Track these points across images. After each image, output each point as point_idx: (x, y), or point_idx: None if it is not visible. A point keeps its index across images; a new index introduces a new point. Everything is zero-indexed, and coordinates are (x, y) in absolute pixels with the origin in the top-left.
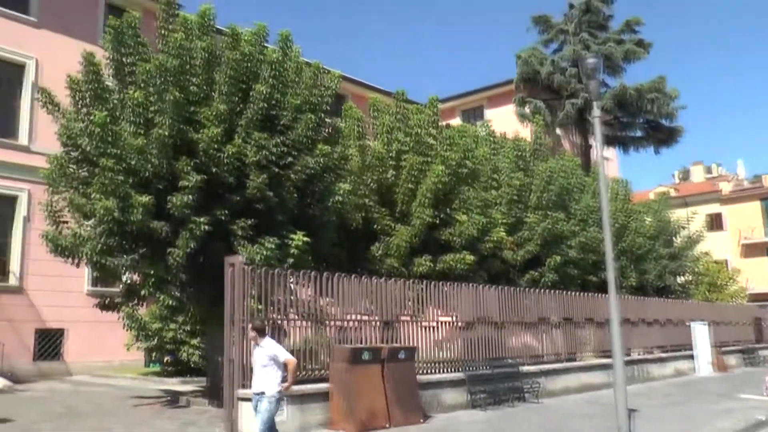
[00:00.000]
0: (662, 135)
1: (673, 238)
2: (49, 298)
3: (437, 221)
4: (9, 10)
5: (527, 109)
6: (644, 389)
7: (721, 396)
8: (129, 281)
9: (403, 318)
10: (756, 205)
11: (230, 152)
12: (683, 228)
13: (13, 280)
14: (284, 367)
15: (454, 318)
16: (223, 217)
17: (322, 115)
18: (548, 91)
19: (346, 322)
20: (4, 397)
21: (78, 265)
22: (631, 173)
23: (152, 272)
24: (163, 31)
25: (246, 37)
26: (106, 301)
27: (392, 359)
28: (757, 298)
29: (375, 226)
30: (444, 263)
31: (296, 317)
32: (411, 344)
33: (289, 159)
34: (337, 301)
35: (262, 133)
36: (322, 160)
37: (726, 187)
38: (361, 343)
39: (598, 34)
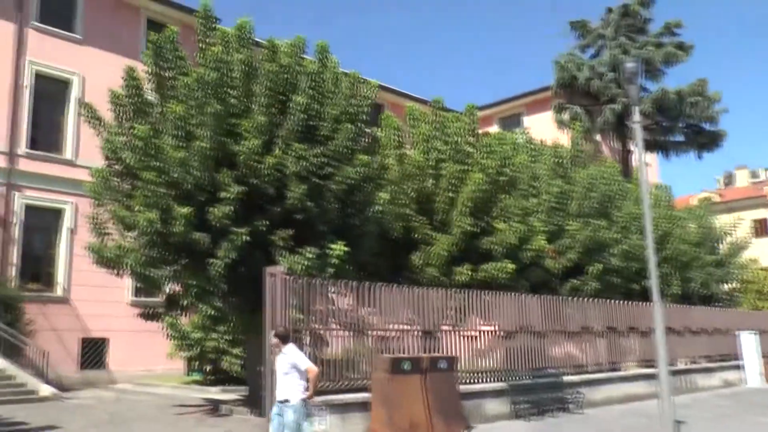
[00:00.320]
0: (704, 139)
1: (718, 244)
2: (94, 308)
3: (477, 230)
4: (55, 28)
5: (565, 116)
6: (690, 400)
7: None
8: (171, 291)
9: (444, 327)
10: None
11: (270, 163)
12: (728, 234)
13: (59, 291)
14: (306, 375)
15: (496, 327)
16: (263, 228)
17: (361, 124)
18: (586, 97)
19: (386, 332)
20: (51, 404)
21: (121, 276)
22: (672, 179)
23: (193, 282)
24: (202, 45)
25: (284, 49)
26: (149, 311)
27: (433, 369)
28: None
29: (415, 235)
30: (484, 272)
31: (337, 327)
32: (452, 354)
33: (329, 169)
34: (377, 310)
35: (301, 144)
36: (361, 169)
37: None
38: (402, 352)
39: (637, 38)
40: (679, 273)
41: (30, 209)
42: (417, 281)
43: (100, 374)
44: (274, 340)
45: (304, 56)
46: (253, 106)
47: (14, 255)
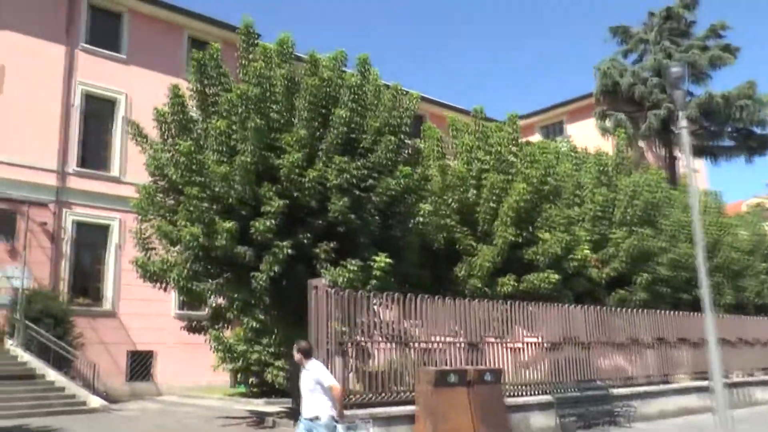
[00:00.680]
0: (754, 143)
1: None
2: (140, 322)
3: (520, 240)
4: (102, 49)
5: (608, 123)
6: (748, 414)
7: None
8: (215, 305)
9: (488, 339)
10: None
11: (312, 176)
12: None
13: (107, 305)
14: (330, 392)
15: (541, 339)
16: (305, 241)
17: (402, 136)
18: (630, 103)
19: (431, 344)
20: (100, 416)
21: (166, 290)
22: (721, 184)
23: (237, 296)
24: (243, 61)
25: (325, 63)
26: (194, 324)
27: (478, 381)
28: None
29: (457, 246)
30: (528, 283)
31: (381, 339)
32: (497, 366)
33: (371, 181)
34: (421, 322)
35: (343, 156)
36: (403, 181)
37: None
38: (447, 365)
39: (681, 42)
40: (732, 282)
41: (79, 225)
42: (460, 293)
43: (147, 386)
44: (297, 356)
45: (345, 69)
46: (294, 120)
47: (65, 270)
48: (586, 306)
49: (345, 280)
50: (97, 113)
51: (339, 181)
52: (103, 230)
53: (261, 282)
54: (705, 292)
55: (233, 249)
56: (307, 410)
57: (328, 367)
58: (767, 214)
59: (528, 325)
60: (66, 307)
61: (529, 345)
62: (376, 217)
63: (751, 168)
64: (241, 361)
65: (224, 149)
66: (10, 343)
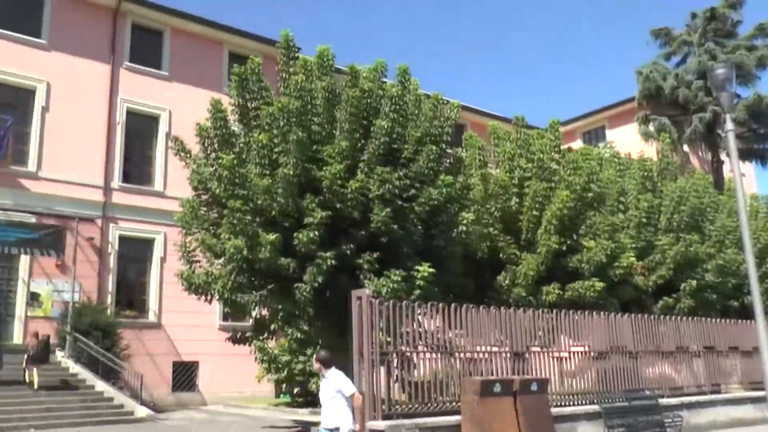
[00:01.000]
0: None
1: None
2: (184, 333)
3: (564, 248)
4: (144, 66)
5: (651, 127)
6: None
7: None
8: (258, 316)
9: (533, 348)
10: None
11: (354, 187)
12: None
13: (152, 317)
14: (351, 401)
15: (586, 347)
16: (348, 252)
17: (444, 145)
18: (673, 107)
19: (475, 354)
20: (147, 425)
21: (210, 302)
22: None
23: (281, 307)
24: (284, 75)
25: (365, 74)
26: (238, 335)
27: (524, 391)
28: None
29: (500, 255)
30: (573, 291)
31: (425, 349)
32: (542, 375)
33: (413, 191)
34: (465, 332)
35: (384, 167)
36: (445, 190)
37: None
38: (491, 374)
39: (726, 42)
40: None
41: (124, 240)
42: (504, 302)
43: (192, 396)
44: (317, 365)
45: (386, 80)
46: (335, 131)
47: (110, 283)
48: (632, 314)
49: (388, 290)
50: (140, 129)
51: (381, 191)
52: (147, 244)
53: (304, 293)
54: (756, 298)
55: (276, 261)
56: (327, 420)
57: (371, 377)
58: None
59: (573, 334)
60: (113, 320)
61: (575, 354)
62: (419, 227)
63: None
64: (285, 372)
65: (266, 162)
66: (60, 355)
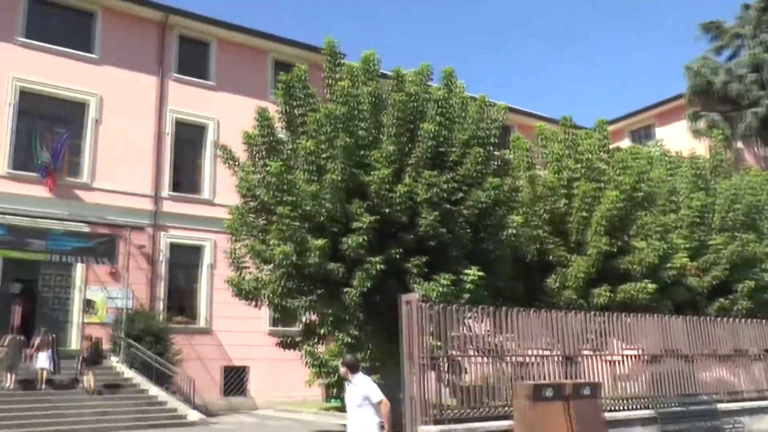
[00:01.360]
0: None
1: None
2: (234, 338)
3: (614, 249)
4: (191, 77)
5: (701, 124)
6: None
7: None
8: (307, 321)
9: (585, 352)
10: None
11: (401, 192)
12: None
13: (202, 322)
14: (379, 408)
15: (639, 351)
16: (396, 256)
17: (490, 148)
18: (725, 102)
19: (525, 357)
20: (199, 429)
21: (259, 307)
22: None
23: (329, 312)
24: (329, 81)
25: (410, 78)
26: (287, 340)
27: (576, 396)
28: None
29: (550, 257)
30: (624, 293)
31: (475, 353)
32: (594, 379)
33: (460, 194)
34: (515, 335)
35: (431, 170)
36: (492, 193)
37: None
38: (542, 378)
39: None
40: None
41: (174, 247)
42: (554, 304)
43: (242, 400)
44: (343, 369)
45: (431, 83)
46: (382, 136)
47: (161, 290)
48: (686, 316)
49: (437, 294)
50: (188, 139)
51: (428, 195)
52: (197, 251)
53: (353, 298)
54: None
55: (325, 266)
56: (354, 428)
57: (422, 382)
58: None
59: (625, 337)
60: (165, 326)
61: (628, 358)
62: (467, 230)
63: None
64: (334, 376)
65: (313, 168)
66: (114, 360)
